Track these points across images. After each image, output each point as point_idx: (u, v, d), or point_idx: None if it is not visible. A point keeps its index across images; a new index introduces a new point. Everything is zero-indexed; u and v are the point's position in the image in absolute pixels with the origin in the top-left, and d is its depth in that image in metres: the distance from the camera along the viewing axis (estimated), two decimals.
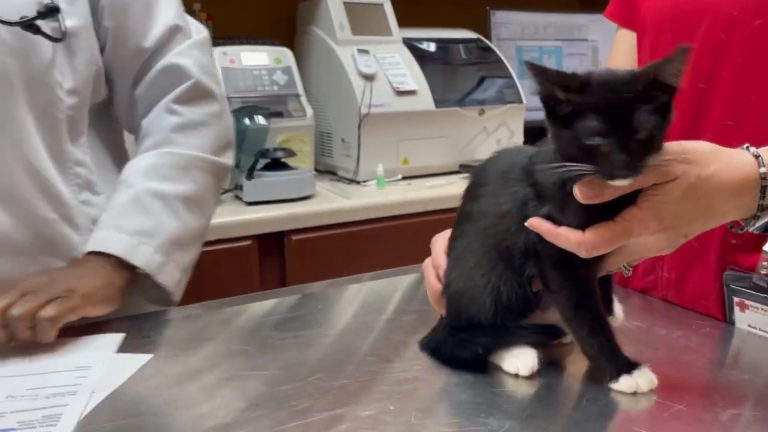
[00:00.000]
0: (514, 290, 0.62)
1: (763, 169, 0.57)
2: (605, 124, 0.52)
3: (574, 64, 2.16)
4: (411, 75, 1.74)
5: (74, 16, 0.83)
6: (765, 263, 0.70)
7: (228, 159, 0.94)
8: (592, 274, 0.60)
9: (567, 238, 0.56)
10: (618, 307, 0.67)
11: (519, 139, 1.86)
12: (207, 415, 0.58)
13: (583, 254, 0.56)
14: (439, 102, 1.74)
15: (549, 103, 0.55)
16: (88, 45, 0.85)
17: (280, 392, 0.61)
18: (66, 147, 0.83)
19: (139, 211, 0.82)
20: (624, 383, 0.59)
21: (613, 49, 0.94)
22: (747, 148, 0.59)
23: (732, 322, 0.74)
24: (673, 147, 0.56)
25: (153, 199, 0.83)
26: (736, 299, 0.73)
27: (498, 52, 1.93)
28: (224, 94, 0.96)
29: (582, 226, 0.56)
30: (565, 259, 0.58)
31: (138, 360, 0.69)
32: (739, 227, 0.61)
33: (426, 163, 1.77)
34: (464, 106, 1.79)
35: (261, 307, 0.85)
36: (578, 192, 0.54)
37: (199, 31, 0.96)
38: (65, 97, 0.82)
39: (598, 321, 0.60)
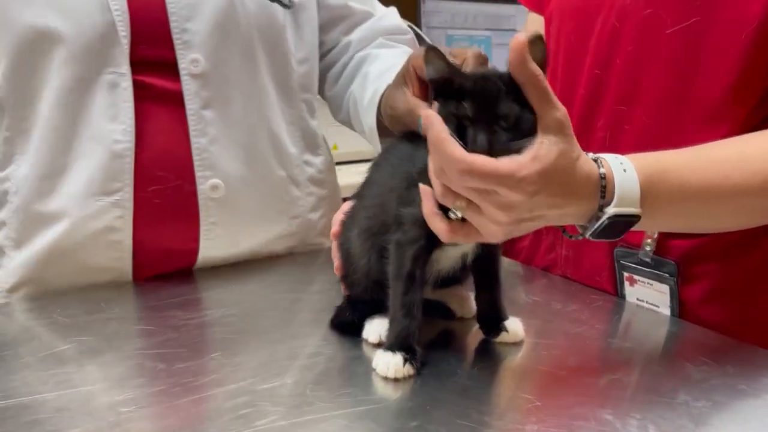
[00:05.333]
0: (382, 266, 0.62)
1: (602, 170, 0.57)
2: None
3: (503, 53, 2.21)
4: None
5: None
6: (649, 240, 0.74)
7: None
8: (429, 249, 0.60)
9: (452, 150, 0.53)
10: (514, 323, 0.66)
11: None
12: (100, 392, 0.58)
13: (454, 168, 0.53)
14: None
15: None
16: (311, 18, 0.95)
17: (178, 369, 0.61)
18: (296, 112, 0.94)
19: None
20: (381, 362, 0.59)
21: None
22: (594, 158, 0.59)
23: (623, 296, 0.79)
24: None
25: None
26: (625, 274, 0.78)
27: (428, 40, 1.95)
28: None
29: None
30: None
31: None
32: (576, 234, 0.60)
33: (356, 148, 1.77)
34: None
35: (170, 286, 0.85)
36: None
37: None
38: (296, 66, 0.93)
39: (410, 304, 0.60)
